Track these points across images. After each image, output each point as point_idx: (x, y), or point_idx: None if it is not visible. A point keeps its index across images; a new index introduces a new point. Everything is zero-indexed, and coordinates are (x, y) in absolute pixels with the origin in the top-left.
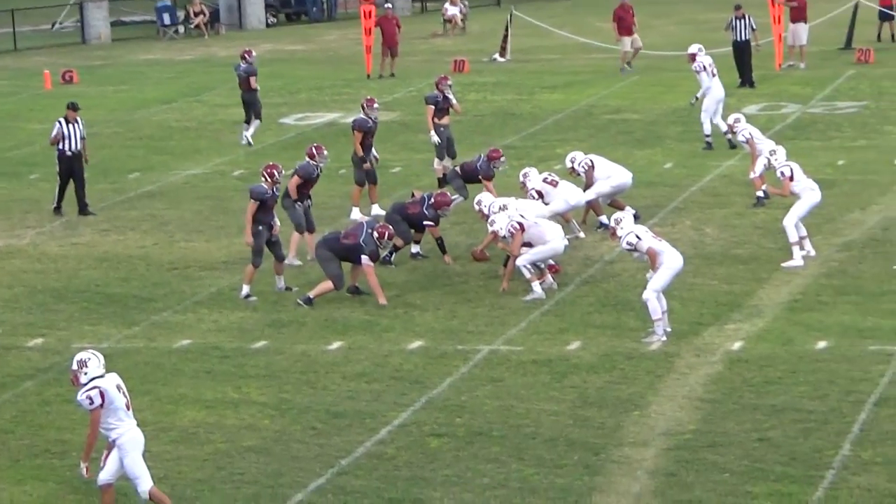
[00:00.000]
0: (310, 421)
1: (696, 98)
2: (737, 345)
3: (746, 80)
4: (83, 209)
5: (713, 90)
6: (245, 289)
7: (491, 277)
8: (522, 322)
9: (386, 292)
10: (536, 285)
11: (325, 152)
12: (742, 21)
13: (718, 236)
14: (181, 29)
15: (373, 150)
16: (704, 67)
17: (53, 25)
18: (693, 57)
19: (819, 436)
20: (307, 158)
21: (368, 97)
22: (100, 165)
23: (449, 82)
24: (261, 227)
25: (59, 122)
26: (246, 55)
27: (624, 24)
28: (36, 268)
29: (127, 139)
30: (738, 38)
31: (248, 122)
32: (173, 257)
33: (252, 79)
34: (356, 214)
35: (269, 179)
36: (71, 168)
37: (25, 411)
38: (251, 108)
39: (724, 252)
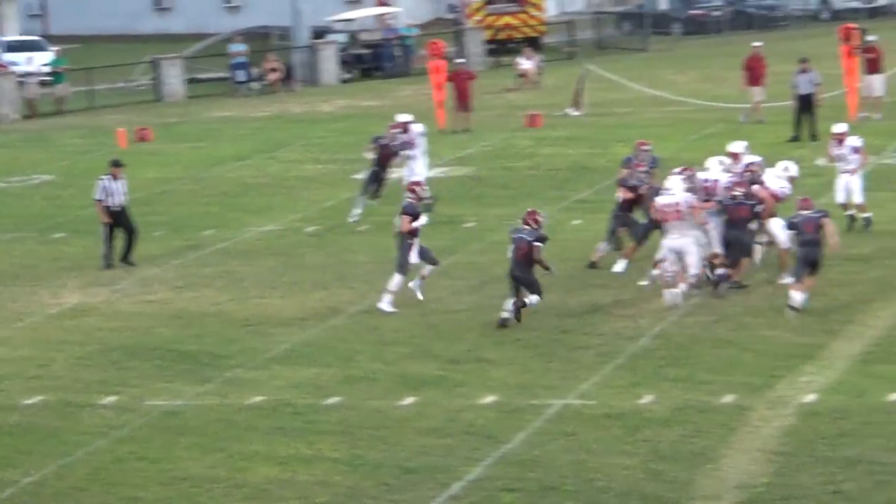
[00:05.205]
0: (382, 477)
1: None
2: (810, 397)
3: (811, 133)
4: (126, 257)
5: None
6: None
7: (563, 332)
8: (595, 376)
9: (457, 347)
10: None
11: (427, 188)
12: (805, 75)
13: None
14: (256, 85)
15: None
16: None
17: (129, 83)
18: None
19: (894, 488)
20: (408, 196)
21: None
22: (175, 222)
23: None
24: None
25: (103, 179)
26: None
27: (754, 74)
28: (110, 325)
29: (202, 196)
30: (802, 93)
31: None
32: (247, 314)
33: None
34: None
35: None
36: (117, 222)
37: (98, 469)
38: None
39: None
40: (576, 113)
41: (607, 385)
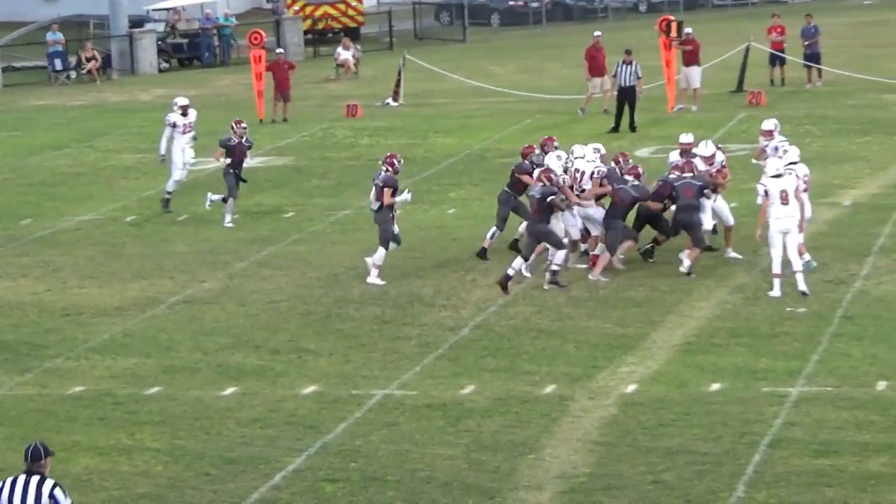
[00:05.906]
0: (204, 467)
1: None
2: (631, 387)
3: (630, 124)
4: None
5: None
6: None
7: (384, 322)
8: (416, 366)
9: (278, 337)
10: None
11: (402, 160)
12: (628, 67)
13: (612, 279)
14: (73, 74)
15: None
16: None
17: None
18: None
19: (713, 478)
20: (387, 168)
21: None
22: None
23: (555, 143)
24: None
25: None
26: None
27: (596, 65)
28: None
29: (19, 185)
30: (623, 84)
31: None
32: (66, 303)
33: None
34: None
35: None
36: None
37: None
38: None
39: (618, 294)
40: (395, 103)
41: (429, 375)
